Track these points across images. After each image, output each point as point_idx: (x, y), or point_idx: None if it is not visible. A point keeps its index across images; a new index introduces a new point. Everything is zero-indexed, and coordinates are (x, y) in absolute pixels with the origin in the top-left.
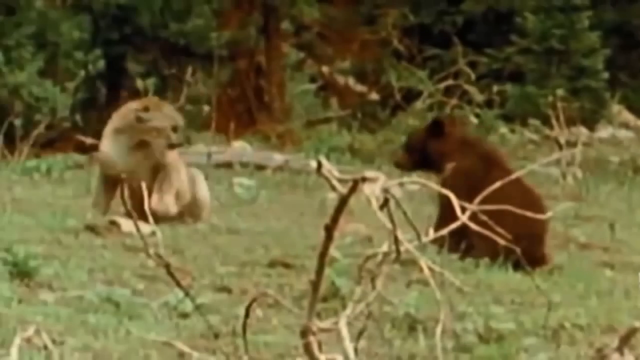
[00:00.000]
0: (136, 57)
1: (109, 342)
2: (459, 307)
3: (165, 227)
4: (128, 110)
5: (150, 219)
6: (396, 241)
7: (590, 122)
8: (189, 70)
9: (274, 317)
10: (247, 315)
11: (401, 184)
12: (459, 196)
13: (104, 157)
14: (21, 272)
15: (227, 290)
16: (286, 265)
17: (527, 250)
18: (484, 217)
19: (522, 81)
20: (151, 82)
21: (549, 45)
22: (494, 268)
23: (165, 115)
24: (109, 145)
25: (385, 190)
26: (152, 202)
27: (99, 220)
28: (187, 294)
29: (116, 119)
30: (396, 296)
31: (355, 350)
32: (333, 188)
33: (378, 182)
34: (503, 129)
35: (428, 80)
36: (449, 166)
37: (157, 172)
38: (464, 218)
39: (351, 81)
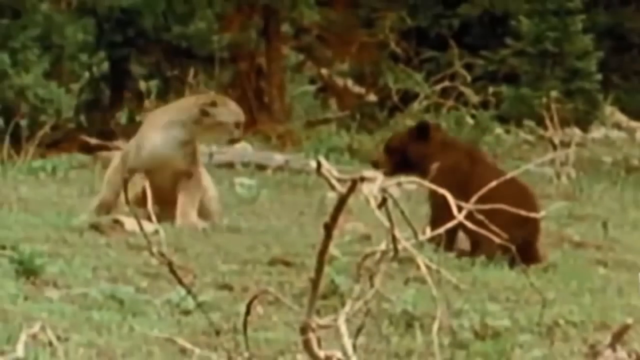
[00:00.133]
0: (139, 59)
1: (113, 339)
2: (455, 305)
3: (168, 226)
4: (189, 104)
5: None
6: (394, 240)
7: (584, 123)
8: (191, 72)
9: (274, 314)
10: (248, 312)
11: (399, 184)
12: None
13: (152, 149)
14: (27, 270)
15: (229, 287)
16: (286, 264)
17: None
18: (479, 216)
19: (517, 83)
20: (154, 83)
21: (543, 48)
22: (489, 266)
23: (231, 110)
24: (158, 137)
25: (384, 190)
26: (179, 218)
27: (104, 219)
28: (189, 292)
29: (173, 112)
30: (394, 293)
31: (354, 347)
32: (332, 187)
33: (376, 181)
34: (498, 130)
35: (425, 82)
36: (434, 166)
37: (183, 175)
38: (460, 217)
39: (350, 83)
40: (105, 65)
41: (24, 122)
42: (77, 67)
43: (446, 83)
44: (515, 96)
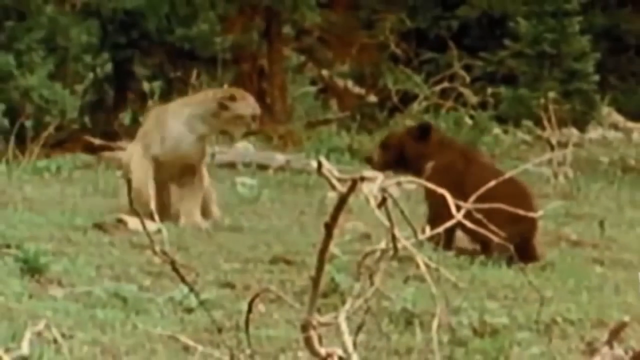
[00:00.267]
0: (143, 60)
1: (117, 336)
2: (454, 302)
3: (170, 224)
4: (208, 98)
5: (156, 216)
6: (394, 238)
7: (581, 124)
8: (194, 73)
9: (275, 312)
10: (249, 310)
11: (398, 183)
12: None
13: (177, 141)
14: (31, 269)
15: (231, 286)
16: (287, 262)
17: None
18: (478, 215)
19: (515, 84)
20: (157, 84)
21: (541, 49)
22: (488, 264)
23: (249, 104)
24: (183, 130)
25: (383, 190)
26: (183, 217)
27: (107, 218)
28: (191, 290)
29: (194, 106)
30: (394, 291)
31: (354, 344)
32: (333, 187)
33: (376, 181)
34: (497, 130)
35: (424, 83)
36: (429, 165)
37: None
38: (459, 216)
39: (350, 84)
40: (109, 67)
41: (28, 123)
42: (81, 68)
43: (445, 84)
44: (514, 97)
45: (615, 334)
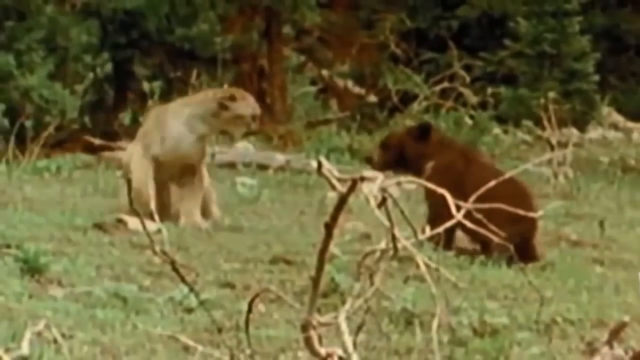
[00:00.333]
0: (143, 60)
1: (117, 336)
2: (454, 302)
3: (170, 224)
4: (208, 98)
5: (156, 216)
6: (394, 238)
7: (581, 124)
8: (194, 73)
9: (275, 312)
10: (249, 310)
11: (398, 183)
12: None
13: (177, 141)
14: (31, 269)
15: (231, 286)
16: (287, 262)
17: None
18: (478, 215)
19: (515, 84)
20: (157, 84)
21: (541, 49)
22: (488, 264)
23: (249, 104)
24: (183, 130)
25: (383, 190)
26: (184, 217)
27: (107, 218)
28: (191, 290)
29: (194, 106)
30: (394, 291)
31: (354, 344)
32: (333, 187)
33: (376, 181)
34: (497, 130)
35: (424, 83)
36: (429, 165)
37: (188, 170)
38: (459, 216)
39: (350, 84)
40: (109, 67)
41: (28, 123)
42: (81, 68)
43: (445, 84)
44: (514, 97)
45: (615, 334)
